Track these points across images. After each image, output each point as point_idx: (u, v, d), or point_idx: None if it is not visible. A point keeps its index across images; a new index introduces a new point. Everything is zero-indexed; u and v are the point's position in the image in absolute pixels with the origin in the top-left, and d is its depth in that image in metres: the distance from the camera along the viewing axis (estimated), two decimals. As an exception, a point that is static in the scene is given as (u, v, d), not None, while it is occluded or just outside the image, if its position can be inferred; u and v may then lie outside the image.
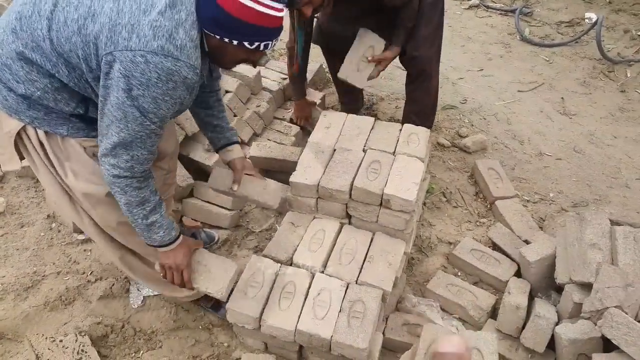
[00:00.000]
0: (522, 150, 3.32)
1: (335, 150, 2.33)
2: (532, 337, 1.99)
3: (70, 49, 1.41)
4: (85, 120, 1.61)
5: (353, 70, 2.67)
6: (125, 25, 1.35)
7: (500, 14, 5.13)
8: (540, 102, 3.82)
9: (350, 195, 2.25)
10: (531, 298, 2.19)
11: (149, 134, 1.48)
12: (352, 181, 2.24)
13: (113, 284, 2.22)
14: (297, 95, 3.08)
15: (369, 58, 2.63)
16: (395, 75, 3.98)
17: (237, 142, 2.12)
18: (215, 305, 2.17)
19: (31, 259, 2.38)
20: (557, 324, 1.99)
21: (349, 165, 2.29)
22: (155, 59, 1.35)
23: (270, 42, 1.50)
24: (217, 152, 2.15)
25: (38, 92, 1.48)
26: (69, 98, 1.53)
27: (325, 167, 2.33)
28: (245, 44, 1.46)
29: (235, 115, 2.96)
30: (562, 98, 3.87)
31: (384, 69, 2.70)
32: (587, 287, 1.99)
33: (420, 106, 2.94)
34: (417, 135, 2.40)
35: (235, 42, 1.45)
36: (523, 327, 2.07)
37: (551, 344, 2.00)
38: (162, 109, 1.43)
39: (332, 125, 2.46)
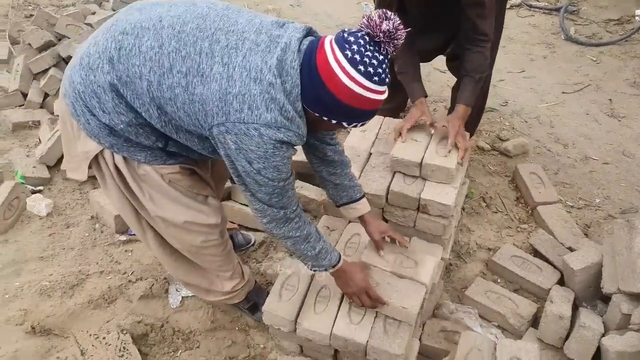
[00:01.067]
0: (566, 154, 3.20)
1: (371, 154, 2.31)
2: (576, 348, 1.90)
3: (170, 98, 1.41)
4: (164, 152, 1.63)
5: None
6: (237, 95, 1.33)
7: (544, 12, 4.98)
8: (586, 104, 3.68)
9: (387, 199, 2.23)
10: (575, 308, 2.11)
11: (283, 187, 1.50)
12: (389, 185, 2.22)
13: (153, 284, 2.29)
14: (415, 94, 2.35)
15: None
16: (434, 77, 3.92)
17: (361, 198, 1.97)
18: (253, 307, 2.19)
19: (76, 258, 2.48)
20: (603, 335, 1.90)
21: (385, 169, 2.27)
22: (269, 132, 1.35)
23: (367, 121, 1.47)
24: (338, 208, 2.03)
25: (121, 125, 1.50)
26: (150, 133, 1.55)
27: (361, 171, 2.32)
28: (344, 123, 1.43)
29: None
30: (610, 100, 3.71)
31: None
32: (636, 297, 1.89)
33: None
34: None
35: (334, 122, 1.42)
36: (566, 338, 1.98)
37: (596, 356, 1.91)
38: (283, 171, 1.45)
39: (368, 128, 2.44)
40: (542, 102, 3.72)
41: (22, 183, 2.90)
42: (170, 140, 1.59)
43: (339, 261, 1.78)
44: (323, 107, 1.39)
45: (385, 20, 1.30)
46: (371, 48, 1.32)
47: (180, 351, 2.04)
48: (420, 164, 2.18)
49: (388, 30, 1.30)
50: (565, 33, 4.54)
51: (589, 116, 3.55)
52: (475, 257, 2.52)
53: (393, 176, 2.26)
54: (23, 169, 2.94)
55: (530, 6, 5.07)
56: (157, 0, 1.54)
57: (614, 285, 2.01)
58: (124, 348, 1.95)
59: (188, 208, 1.74)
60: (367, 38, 1.33)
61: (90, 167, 1.67)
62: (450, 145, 2.18)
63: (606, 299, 2.09)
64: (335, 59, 1.32)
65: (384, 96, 1.41)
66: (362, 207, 1.97)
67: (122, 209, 1.78)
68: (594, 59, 4.22)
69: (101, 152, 1.61)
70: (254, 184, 1.47)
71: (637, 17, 4.66)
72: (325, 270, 1.76)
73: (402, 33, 1.32)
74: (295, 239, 1.63)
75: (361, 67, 1.31)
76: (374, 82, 1.34)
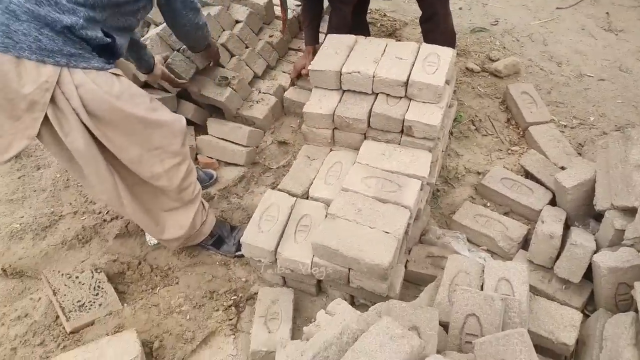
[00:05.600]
0: (560, 72, 3.03)
1: (341, 74, 2.12)
2: (567, 267, 1.84)
3: None
4: (113, 50, 1.62)
5: None
6: None
7: None
8: (582, 19, 3.46)
9: (369, 123, 2.10)
10: (567, 227, 2.03)
11: None
12: (371, 108, 2.08)
13: (128, 223, 2.19)
14: (309, 40, 2.66)
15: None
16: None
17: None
18: (218, 242, 2.11)
19: (48, 200, 2.36)
20: (595, 252, 1.84)
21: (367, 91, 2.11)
22: None
23: None
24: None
25: (82, 21, 1.44)
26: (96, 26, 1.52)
27: (341, 96, 2.17)
28: None
29: (247, 47, 2.79)
30: (607, 13, 3.49)
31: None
32: (630, 212, 1.81)
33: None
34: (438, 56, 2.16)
35: None
36: (557, 258, 1.92)
37: (587, 274, 1.85)
38: None
39: (339, 47, 2.23)
40: (535, 19, 3.50)
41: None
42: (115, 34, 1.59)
43: None
44: None
45: None
46: None
47: (158, 288, 1.98)
48: (406, 82, 2.02)
49: None
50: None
51: (585, 31, 3.35)
52: (464, 181, 2.43)
53: (375, 98, 2.12)
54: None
55: None
56: None
57: (607, 202, 1.92)
58: (98, 286, 1.88)
59: (149, 109, 1.68)
60: None
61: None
62: None
63: (599, 217, 2.01)
64: None
65: None
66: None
67: (88, 155, 1.62)
68: (592, -28, 3.95)
69: (58, 84, 1.46)
70: None
71: None
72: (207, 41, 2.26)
73: None
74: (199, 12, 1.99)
75: None
76: None
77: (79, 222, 2.22)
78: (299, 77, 2.77)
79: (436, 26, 2.63)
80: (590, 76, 2.99)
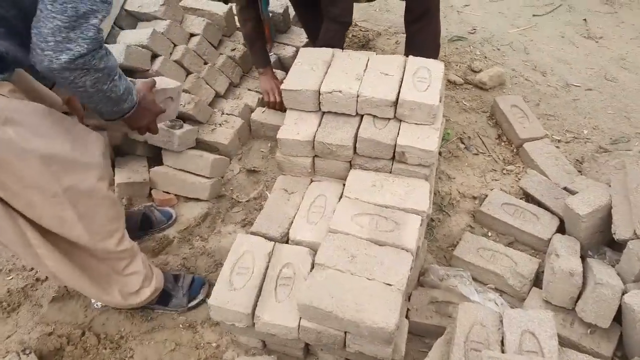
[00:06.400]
0: (546, 83, 2.84)
1: (330, 93, 1.82)
2: (594, 310, 1.59)
3: None
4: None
5: None
6: None
7: None
8: (560, 26, 3.31)
9: (355, 149, 1.80)
10: (581, 259, 1.79)
11: None
12: (356, 132, 1.78)
13: (69, 281, 1.79)
14: (259, 62, 2.39)
15: None
16: (392, 6, 3.43)
17: None
18: (163, 297, 1.75)
19: (-34, 256, 1.93)
20: (623, 291, 1.60)
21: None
22: None
23: None
24: None
25: None
26: None
27: (320, 118, 1.86)
28: None
29: (205, 63, 2.44)
30: (585, 20, 3.36)
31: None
32: (659, 243, 1.58)
33: (425, 48, 2.39)
34: (428, 70, 1.89)
35: None
36: (578, 297, 1.67)
37: (615, 316, 1.61)
38: None
39: (314, 63, 1.93)
40: (513, 26, 3.32)
41: None
42: None
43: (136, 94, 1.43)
44: None
45: None
46: None
47: (108, 364, 1.59)
48: (396, 102, 1.74)
49: None
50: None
51: (565, 39, 3.19)
52: (460, 208, 2.16)
53: (361, 120, 1.82)
54: None
55: None
56: None
57: (628, 230, 1.69)
58: (28, 373, 1.48)
59: (67, 129, 1.31)
60: None
61: None
62: None
63: (613, 243, 1.79)
64: None
65: None
66: None
67: None
68: (562, -23, 3.84)
69: None
70: None
71: None
72: (130, 112, 1.42)
73: None
74: (101, 73, 1.22)
75: None
76: None
77: (4, 285, 1.80)
78: (280, 106, 2.37)
79: (427, 25, 2.38)
80: (577, 86, 2.82)
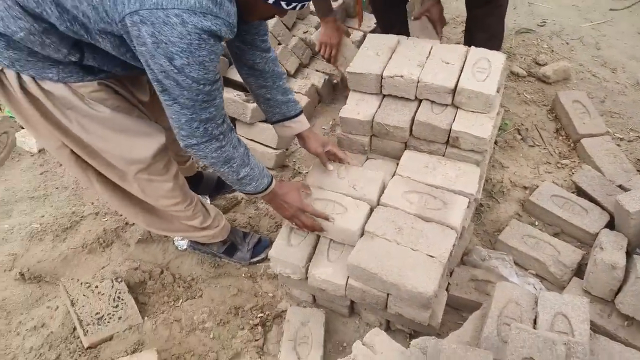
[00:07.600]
0: (614, 80, 2.81)
1: (392, 77, 1.96)
2: (632, 303, 1.65)
3: None
4: (81, 67, 1.36)
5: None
6: None
7: None
8: (637, 22, 3.21)
9: (411, 131, 1.94)
10: (627, 255, 1.84)
11: (210, 92, 1.26)
12: (414, 115, 1.91)
13: (152, 227, 2.08)
14: (322, 11, 2.34)
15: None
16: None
17: (297, 116, 1.80)
18: (230, 249, 1.98)
19: (70, 199, 2.27)
20: (662, 287, 1.65)
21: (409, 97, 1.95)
22: (193, 19, 1.10)
23: (308, 1, 1.28)
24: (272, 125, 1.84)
25: (21, 34, 1.21)
26: (59, 43, 1.26)
27: (381, 101, 2.01)
28: (283, 3, 1.23)
29: (279, 44, 2.64)
30: (666, 17, 3.24)
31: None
32: None
33: (490, 33, 2.39)
34: (489, 61, 1.98)
35: (271, 1, 1.23)
36: (618, 290, 1.74)
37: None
38: (210, 70, 1.21)
39: (380, 49, 2.06)
40: (587, 20, 3.26)
41: (11, 117, 2.66)
42: (86, 52, 1.32)
43: (267, 188, 1.58)
44: None
45: None
46: None
47: (181, 300, 1.86)
48: (454, 89, 1.85)
49: None
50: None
51: (641, 36, 3.11)
52: (510, 196, 2.25)
53: (419, 105, 1.95)
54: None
55: None
56: None
57: (676, 230, 1.73)
58: (118, 297, 1.77)
59: (122, 132, 1.49)
60: None
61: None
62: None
63: (662, 244, 1.82)
64: None
65: None
66: (298, 125, 1.77)
67: (52, 146, 1.51)
68: (648, -29, 3.68)
69: (4, 76, 1.32)
70: (176, 87, 1.20)
71: None
72: (255, 194, 1.59)
73: None
74: (213, 159, 1.41)
75: None
76: None
77: (101, 225, 2.12)
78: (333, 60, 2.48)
79: (494, 10, 2.32)
80: (648, 85, 2.76)
